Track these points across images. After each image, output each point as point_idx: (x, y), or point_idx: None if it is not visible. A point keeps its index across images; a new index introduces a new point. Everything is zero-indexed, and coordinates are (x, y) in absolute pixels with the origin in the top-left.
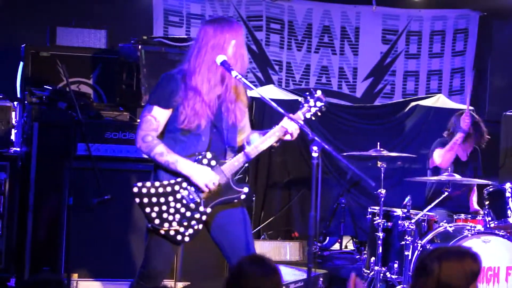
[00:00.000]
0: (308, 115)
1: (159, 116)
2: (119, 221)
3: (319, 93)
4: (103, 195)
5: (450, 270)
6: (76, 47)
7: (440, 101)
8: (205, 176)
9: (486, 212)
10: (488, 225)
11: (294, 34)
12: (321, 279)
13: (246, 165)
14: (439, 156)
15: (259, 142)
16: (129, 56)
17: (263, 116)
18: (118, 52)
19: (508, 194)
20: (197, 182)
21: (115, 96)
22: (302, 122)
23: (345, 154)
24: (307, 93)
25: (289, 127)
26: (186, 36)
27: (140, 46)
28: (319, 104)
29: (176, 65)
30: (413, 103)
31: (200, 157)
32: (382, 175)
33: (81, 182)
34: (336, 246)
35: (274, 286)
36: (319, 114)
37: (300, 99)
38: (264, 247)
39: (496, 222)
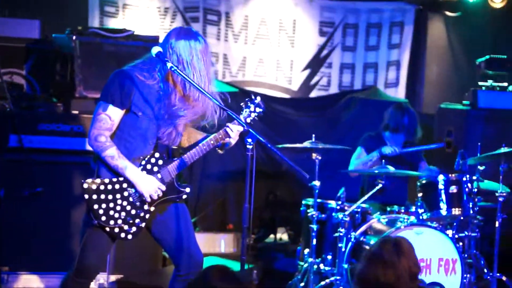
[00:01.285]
0: (248, 120)
1: (113, 115)
2: (52, 214)
3: (258, 99)
4: (35, 187)
5: (409, 263)
6: (9, 37)
7: (375, 93)
8: (150, 186)
9: (419, 204)
10: (420, 217)
11: (231, 26)
12: (255, 271)
13: None
14: (353, 166)
15: (200, 146)
16: (64, 46)
17: None
18: (52, 43)
19: (440, 186)
20: (142, 191)
21: (49, 88)
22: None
23: (280, 146)
24: (248, 99)
25: (233, 130)
26: (121, 27)
27: (74, 37)
28: (258, 110)
29: (114, 56)
30: (348, 96)
31: (148, 157)
32: (317, 167)
33: (13, 174)
34: (271, 238)
35: None
36: (257, 119)
37: (241, 104)
38: (198, 239)
39: (428, 214)
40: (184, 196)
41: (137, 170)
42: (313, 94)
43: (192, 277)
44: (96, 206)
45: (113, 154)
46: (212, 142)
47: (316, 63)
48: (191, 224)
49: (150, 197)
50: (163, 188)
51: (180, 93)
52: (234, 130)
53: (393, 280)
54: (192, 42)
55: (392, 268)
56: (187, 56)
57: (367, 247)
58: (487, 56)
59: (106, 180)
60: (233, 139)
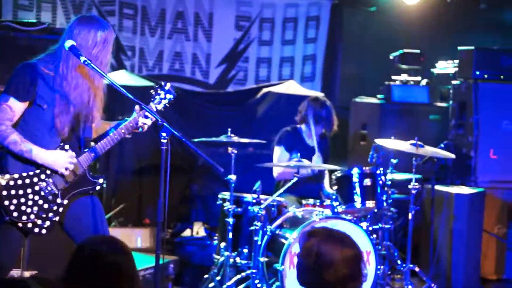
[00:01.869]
0: (159, 107)
1: (14, 107)
2: None
3: (168, 85)
4: None
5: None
6: None
7: (291, 87)
8: (61, 159)
9: (334, 197)
10: (335, 210)
11: (147, 19)
12: (172, 265)
13: None
14: (276, 172)
15: (111, 135)
16: None
17: (114, 103)
18: None
19: (355, 179)
20: (55, 167)
21: None
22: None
23: (196, 140)
24: (157, 86)
25: (143, 120)
26: (36, 21)
27: None
28: (169, 96)
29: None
30: (265, 90)
31: (57, 149)
32: (233, 161)
33: None
34: (188, 233)
35: (129, 262)
36: (168, 105)
37: (151, 91)
38: (114, 235)
39: (343, 207)
40: (98, 187)
41: (42, 150)
42: (230, 88)
43: None
44: (7, 202)
45: (15, 139)
46: (123, 131)
47: (233, 57)
48: (103, 217)
49: (61, 191)
50: (74, 160)
51: (88, 85)
52: (146, 121)
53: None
54: (93, 30)
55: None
56: (88, 46)
57: (283, 240)
58: (401, 51)
59: (16, 176)
60: (146, 126)
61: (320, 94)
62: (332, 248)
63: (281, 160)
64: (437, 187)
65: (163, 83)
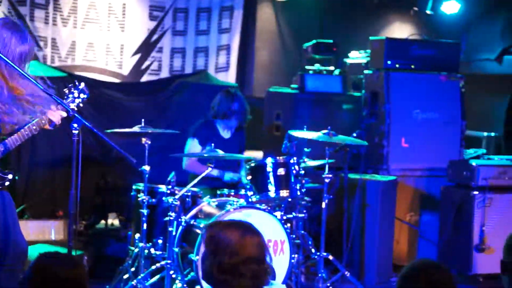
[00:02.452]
0: (72, 106)
1: None
2: None
3: (82, 85)
4: None
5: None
6: None
7: (206, 77)
8: None
9: (248, 187)
10: (250, 200)
11: (59, 9)
12: (85, 257)
13: None
14: (185, 164)
15: (22, 131)
16: None
17: None
18: None
19: (269, 169)
20: None
21: None
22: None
23: (109, 131)
24: (71, 85)
25: (55, 117)
26: None
27: None
28: (82, 96)
29: None
30: (179, 80)
31: None
32: (147, 152)
33: None
34: (102, 224)
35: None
36: (81, 105)
37: (65, 90)
38: (28, 227)
39: (257, 197)
40: (7, 183)
41: None
42: (144, 78)
43: (20, 267)
44: None
45: None
46: (34, 127)
47: (147, 48)
48: (15, 213)
49: None
50: None
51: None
52: (56, 115)
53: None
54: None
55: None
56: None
57: (198, 231)
58: (314, 41)
59: None
60: (56, 122)
61: (234, 85)
62: (231, 233)
63: (192, 152)
64: (350, 175)
65: (77, 83)
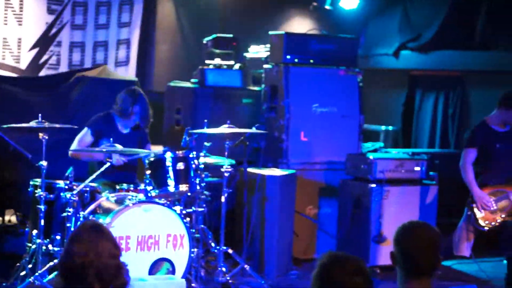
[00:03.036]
0: None
1: None
2: None
3: None
4: None
5: (108, 243)
6: None
7: (105, 72)
8: None
9: (147, 181)
10: (149, 194)
11: None
12: None
13: None
14: (75, 146)
15: None
16: None
17: None
18: None
19: (168, 163)
20: None
21: None
22: None
23: (5, 126)
24: None
25: None
26: None
27: None
28: None
29: None
30: (78, 74)
31: None
32: (44, 147)
33: None
34: None
35: None
36: None
37: None
38: None
39: (157, 191)
40: None
41: None
42: (43, 73)
43: None
44: None
45: None
46: None
47: (45, 42)
48: None
49: None
50: None
51: None
52: None
53: (95, 258)
54: None
55: (92, 247)
56: None
57: None
58: (214, 35)
59: None
60: None
61: (134, 79)
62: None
63: (80, 140)
64: (250, 169)
65: None
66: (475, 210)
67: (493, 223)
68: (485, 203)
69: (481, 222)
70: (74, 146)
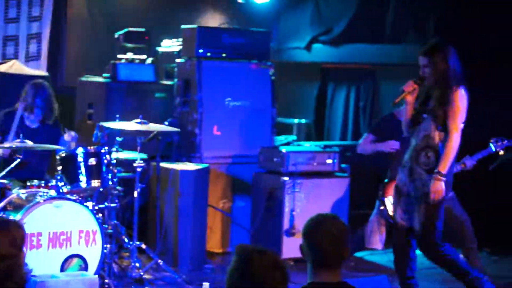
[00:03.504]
0: None
1: None
2: None
3: None
4: None
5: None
6: None
7: (15, 67)
8: None
9: (59, 177)
10: (60, 190)
11: None
12: None
13: None
14: None
15: None
16: None
17: None
18: None
19: (80, 159)
20: None
21: None
22: None
23: None
24: None
25: None
26: None
27: None
28: None
29: None
30: None
31: None
32: None
33: None
34: None
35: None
36: None
37: None
38: None
39: (69, 187)
40: None
41: None
42: None
43: None
44: None
45: None
46: None
47: None
48: None
49: None
50: None
51: None
52: None
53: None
54: None
55: None
56: None
57: None
58: (126, 29)
59: None
60: None
61: (45, 74)
62: None
63: None
64: (163, 164)
65: None
66: (387, 204)
67: None
68: (391, 145)
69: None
70: None
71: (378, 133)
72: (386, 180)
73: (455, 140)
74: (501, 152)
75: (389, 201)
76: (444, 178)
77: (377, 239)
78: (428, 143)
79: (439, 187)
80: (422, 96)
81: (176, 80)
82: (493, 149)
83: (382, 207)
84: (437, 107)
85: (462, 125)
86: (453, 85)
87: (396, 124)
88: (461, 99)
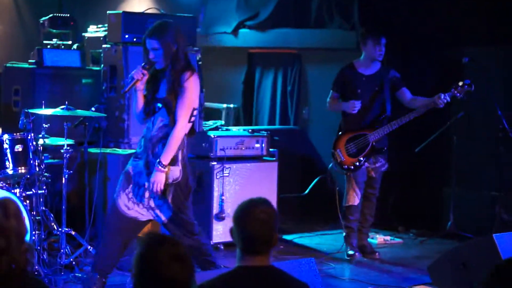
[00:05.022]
0: None
1: None
2: None
3: None
4: None
5: (17, 223)
6: None
7: None
8: None
9: None
10: None
11: None
12: None
13: None
14: None
15: None
16: None
17: None
18: None
19: (6, 146)
20: None
21: None
22: None
23: None
24: None
25: None
26: None
27: None
28: None
29: None
30: None
31: None
32: None
33: None
34: None
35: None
36: None
37: None
38: None
39: None
40: None
41: None
42: None
43: None
44: None
45: None
46: None
47: None
48: None
49: None
50: None
51: None
52: None
53: (5, 245)
54: None
55: (2, 231)
56: None
57: None
58: (51, 15)
59: None
60: None
61: None
62: None
63: None
64: (91, 150)
65: None
66: (336, 155)
67: (352, 167)
68: (353, 106)
69: (344, 166)
70: None
71: (340, 89)
72: (340, 133)
73: (180, 128)
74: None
75: (338, 153)
76: (164, 169)
77: (353, 196)
78: (165, 133)
79: (158, 178)
80: (153, 82)
81: (102, 66)
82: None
83: (333, 162)
84: (169, 95)
85: (195, 112)
86: (185, 70)
87: (354, 75)
88: (194, 84)
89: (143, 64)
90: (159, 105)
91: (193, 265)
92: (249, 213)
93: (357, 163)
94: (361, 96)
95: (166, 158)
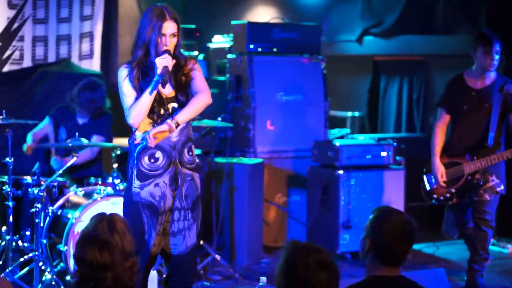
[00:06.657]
0: None
1: None
2: None
3: None
4: None
5: (122, 240)
6: None
7: (69, 66)
8: None
9: (115, 175)
10: (117, 188)
11: None
12: None
13: None
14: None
15: None
16: None
17: None
18: None
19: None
20: None
21: None
22: None
23: None
24: None
25: None
26: None
27: None
28: None
29: None
30: (42, 69)
31: None
32: (10, 143)
33: None
34: None
35: None
36: None
37: None
38: None
39: (125, 184)
40: None
41: None
42: (6, 68)
43: None
44: None
45: None
46: None
47: (8, 37)
48: None
49: None
50: None
51: None
52: None
53: (109, 261)
54: None
55: (107, 248)
56: None
57: (65, 221)
58: None
59: None
60: None
61: (98, 72)
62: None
63: (40, 128)
64: (217, 160)
65: None
66: (425, 182)
67: (441, 198)
68: (437, 177)
69: (433, 196)
70: (28, 137)
71: (448, 103)
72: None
73: (208, 95)
74: None
75: (428, 179)
76: (172, 126)
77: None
78: (188, 136)
79: (163, 127)
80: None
81: (227, 75)
82: None
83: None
84: (180, 90)
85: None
86: (187, 60)
87: (462, 88)
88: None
89: (168, 51)
90: (175, 105)
91: (339, 274)
92: (389, 222)
93: (448, 195)
94: (466, 114)
95: (182, 118)
